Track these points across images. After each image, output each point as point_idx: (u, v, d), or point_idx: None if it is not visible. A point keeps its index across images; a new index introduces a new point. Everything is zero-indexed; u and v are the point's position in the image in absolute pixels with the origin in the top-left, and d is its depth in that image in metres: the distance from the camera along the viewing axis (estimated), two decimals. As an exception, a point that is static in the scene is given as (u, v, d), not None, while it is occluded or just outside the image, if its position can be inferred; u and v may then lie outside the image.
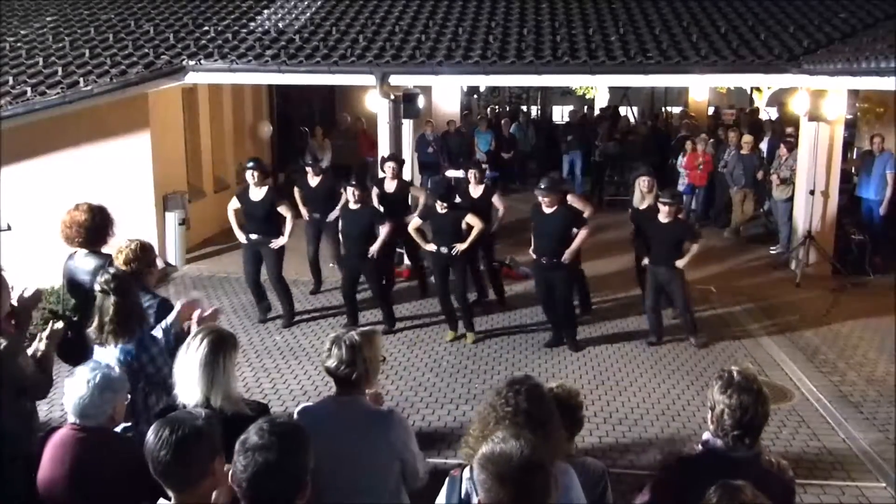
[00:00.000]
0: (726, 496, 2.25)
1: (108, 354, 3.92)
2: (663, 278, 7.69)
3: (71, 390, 3.07)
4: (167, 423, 2.47)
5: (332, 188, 9.38)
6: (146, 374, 3.94)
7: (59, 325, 3.96)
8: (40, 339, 3.86)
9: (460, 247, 7.77)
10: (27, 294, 4.10)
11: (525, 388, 2.71)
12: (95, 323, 3.96)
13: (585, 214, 7.94)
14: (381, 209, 8.39)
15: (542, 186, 7.42)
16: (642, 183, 8.64)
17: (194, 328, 3.86)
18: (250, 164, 8.12)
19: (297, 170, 12.66)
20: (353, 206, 7.89)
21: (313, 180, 9.43)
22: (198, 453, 2.41)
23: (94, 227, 4.95)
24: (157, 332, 4.06)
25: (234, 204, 8.24)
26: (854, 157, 13.81)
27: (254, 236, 8.09)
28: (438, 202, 7.77)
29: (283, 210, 8.09)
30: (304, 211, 9.30)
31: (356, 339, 3.13)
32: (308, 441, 2.38)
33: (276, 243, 8.04)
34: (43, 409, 6.04)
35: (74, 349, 4.63)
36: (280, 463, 2.24)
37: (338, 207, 8.93)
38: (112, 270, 4.12)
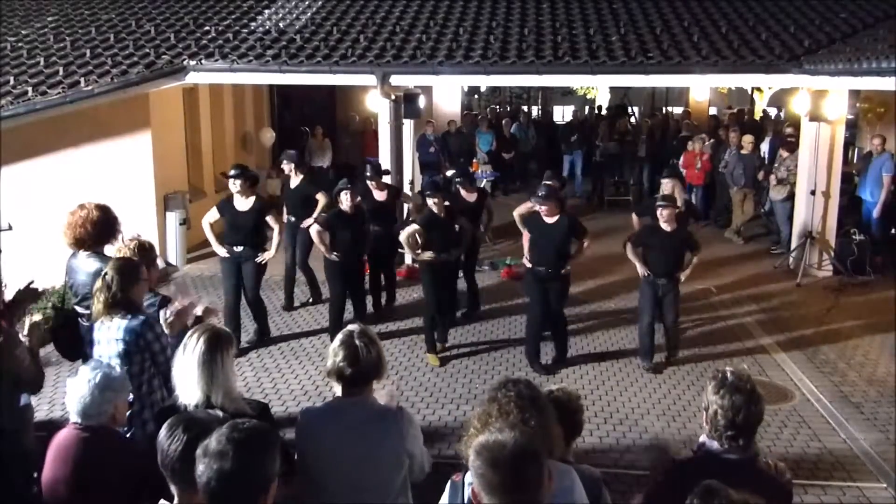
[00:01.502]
0: (707, 498, 2.25)
1: (110, 334, 3.95)
2: (664, 290, 7.30)
3: (73, 390, 3.08)
4: (183, 421, 2.49)
5: (310, 191, 8.78)
6: (152, 353, 3.97)
7: (38, 317, 4.01)
8: (23, 335, 3.89)
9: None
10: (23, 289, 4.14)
11: (523, 382, 2.81)
12: (94, 301, 4.01)
13: None
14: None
15: (541, 195, 6.97)
16: (666, 185, 8.24)
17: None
18: (233, 173, 7.51)
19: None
20: (348, 210, 7.54)
21: (294, 181, 8.82)
22: None
23: (105, 223, 4.98)
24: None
25: (213, 216, 7.63)
26: (855, 158, 13.81)
27: (238, 248, 7.53)
28: (430, 200, 7.45)
29: (270, 221, 7.66)
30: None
31: (369, 334, 3.14)
32: (274, 444, 2.35)
33: (264, 257, 7.57)
34: (44, 409, 6.08)
35: (75, 345, 4.69)
36: (236, 471, 2.20)
37: (314, 214, 8.43)
38: (117, 257, 4.19)
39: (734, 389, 2.72)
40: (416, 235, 7.51)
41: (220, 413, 2.63)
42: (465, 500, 2.58)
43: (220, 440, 2.24)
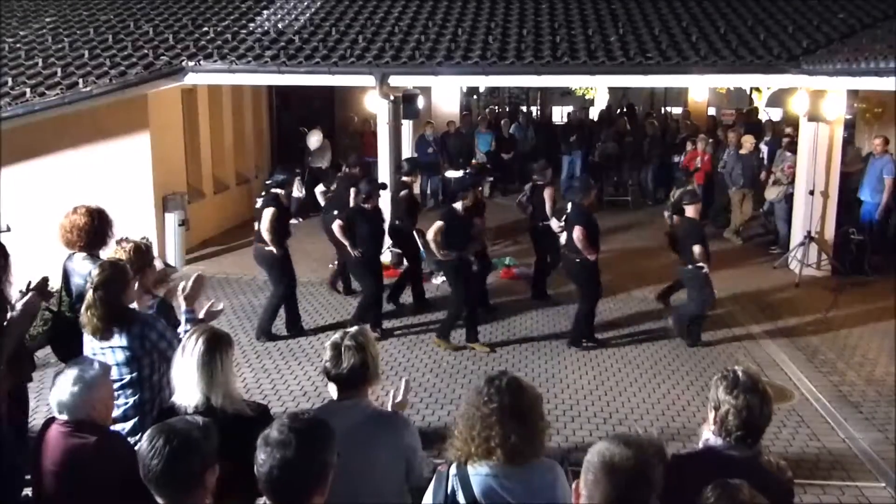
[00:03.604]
0: (724, 495, 2.25)
1: (112, 345, 3.89)
2: None
3: (54, 387, 3.07)
4: (162, 431, 2.44)
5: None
6: (160, 351, 3.90)
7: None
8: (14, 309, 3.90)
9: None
10: (34, 284, 4.15)
11: (504, 382, 2.73)
12: (89, 317, 3.89)
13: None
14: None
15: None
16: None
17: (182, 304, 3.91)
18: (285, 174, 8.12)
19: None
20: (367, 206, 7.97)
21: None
22: (190, 465, 2.40)
23: (93, 231, 4.94)
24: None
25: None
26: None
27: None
28: (460, 203, 7.72)
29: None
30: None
31: (358, 339, 3.11)
32: (331, 437, 2.41)
33: None
34: (43, 410, 6.06)
35: (72, 349, 4.65)
36: (297, 460, 2.27)
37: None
38: (102, 264, 4.07)
39: (748, 390, 2.72)
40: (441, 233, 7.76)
41: (201, 419, 2.59)
42: (449, 491, 2.66)
43: (281, 430, 2.31)
